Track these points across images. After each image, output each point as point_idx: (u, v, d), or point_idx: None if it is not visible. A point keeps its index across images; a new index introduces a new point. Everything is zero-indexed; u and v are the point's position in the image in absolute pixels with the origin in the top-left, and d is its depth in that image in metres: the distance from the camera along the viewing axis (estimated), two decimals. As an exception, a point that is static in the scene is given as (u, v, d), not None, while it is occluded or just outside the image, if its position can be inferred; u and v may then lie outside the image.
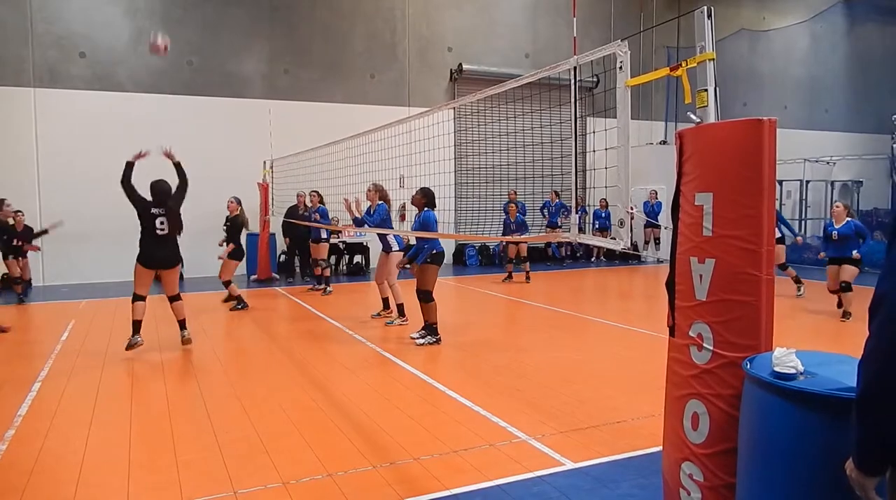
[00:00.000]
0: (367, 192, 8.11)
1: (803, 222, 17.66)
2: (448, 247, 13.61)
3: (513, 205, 12.52)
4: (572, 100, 4.00)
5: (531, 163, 8.17)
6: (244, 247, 9.59)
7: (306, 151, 10.88)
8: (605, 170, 4.04)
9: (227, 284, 9.23)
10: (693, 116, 2.78)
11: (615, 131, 3.44)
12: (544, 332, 7.68)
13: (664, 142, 16.73)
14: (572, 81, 3.98)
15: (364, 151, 8.59)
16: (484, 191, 13.55)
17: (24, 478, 3.58)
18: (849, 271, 7.95)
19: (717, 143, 2.56)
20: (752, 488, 2.25)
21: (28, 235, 10.27)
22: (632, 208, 3.66)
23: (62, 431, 4.38)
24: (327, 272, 11.00)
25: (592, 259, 16.21)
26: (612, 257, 15.83)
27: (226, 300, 9.69)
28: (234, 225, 9.22)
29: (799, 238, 10.43)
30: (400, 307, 8.02)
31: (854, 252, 7.90)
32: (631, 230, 3.49)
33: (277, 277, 12.73)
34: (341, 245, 13.57)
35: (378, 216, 7.90)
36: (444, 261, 7.54)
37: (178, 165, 6.75)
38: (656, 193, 14.81)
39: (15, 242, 9.98)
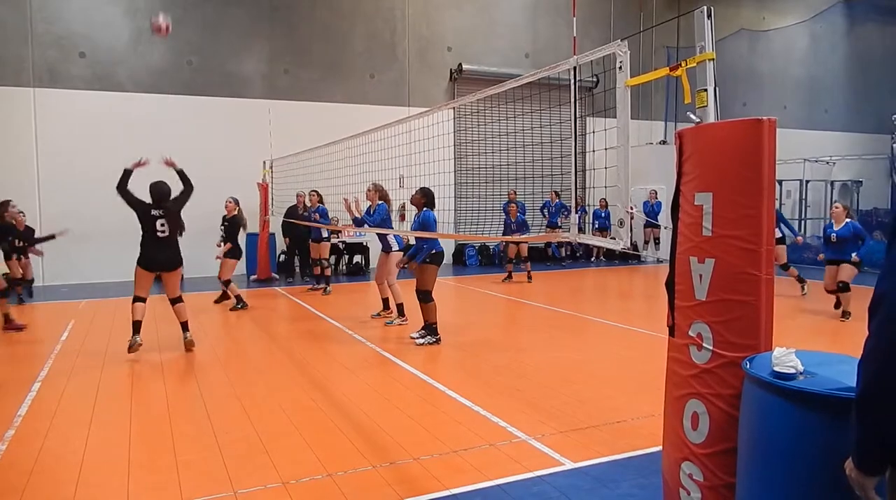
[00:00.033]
0: (366, 192, 8.12)
1: (803, 222, 17.66)
2: (448, 247, 13.63)
3: (513, 205, 12.52)
4: (572, 100, 4.00)
5: (531, 163, 8.15)
6: (242, 247, 9.60)
7: (306, 151, 10.88)
8: (604, 170, 4.04)
9: (226, 283, 9.25)
10: (693, 116, 2.78)
11: (615, 131, 3.44)
12: (544, 332, 7.68)
13: (664, 142, 16.73)
14: (572, 81, 3.98)
15: (364, 151, 8.59)
16: (484, 191, 13.52)
17: (24, 478, 3.58)
18: (847, 272, 7.93)
19: (716, 143, 2.56)
20: (752, 487, 2.26)
21: (28, 235, 10.25)
22: (631, 208, 3.66)
23: (62, 431, 4.38)
24: (328, 271, 11.01)
25: (592, 259, 16.21)
26: (612, 257, 15.83)
27: (217, 301, 9.71)
28: (233, 225, 9.24)
29: (799, 238, 10.40)
30: (400, 307, 8.02)
31: (853, 255, 7.89)
32: (631, 230, 3.49)
33: (277, 277, 12.74)
34: (341, 245, 13.57)
35: (378, 216, 7.91)
36: (444, 261, 7.54)
37: (181, 173, 6.71)
38: (656, 193, 14.81)
39: (17, 243, 9.96)
